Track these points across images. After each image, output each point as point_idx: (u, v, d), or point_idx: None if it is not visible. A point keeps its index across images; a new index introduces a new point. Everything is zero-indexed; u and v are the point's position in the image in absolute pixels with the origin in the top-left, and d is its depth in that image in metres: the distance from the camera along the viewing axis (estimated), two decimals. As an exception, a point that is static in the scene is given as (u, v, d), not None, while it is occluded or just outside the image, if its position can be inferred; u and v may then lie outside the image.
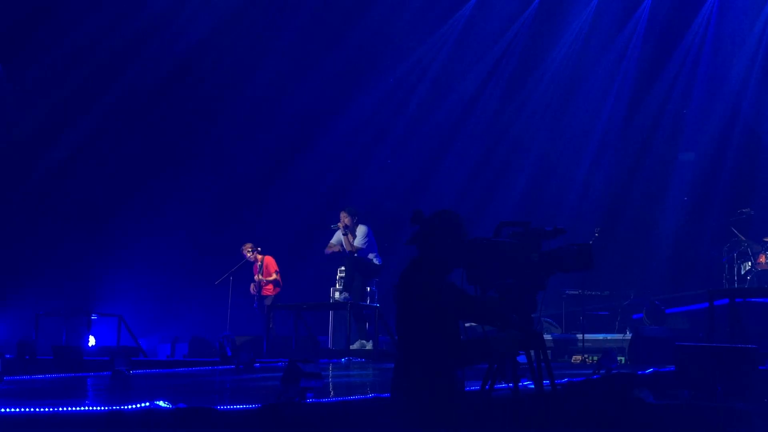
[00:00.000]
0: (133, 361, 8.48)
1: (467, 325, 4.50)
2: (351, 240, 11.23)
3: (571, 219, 14.89)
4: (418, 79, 16.44)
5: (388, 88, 16.22)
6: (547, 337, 11.59)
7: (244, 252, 13.35)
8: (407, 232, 4.44)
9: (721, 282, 12.63)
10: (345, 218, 11.33)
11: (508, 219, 4.55)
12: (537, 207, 15.57)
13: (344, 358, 10.24)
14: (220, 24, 14.57)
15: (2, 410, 4.72)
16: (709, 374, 6.31)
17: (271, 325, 11.71)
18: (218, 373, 8.89)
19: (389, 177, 16.22)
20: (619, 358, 9.44)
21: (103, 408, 4.93)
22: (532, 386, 4.31)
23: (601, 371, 7.37)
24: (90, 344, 12.38)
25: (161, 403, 4.95)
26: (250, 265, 13.43)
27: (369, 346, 10.82)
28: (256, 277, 13.26)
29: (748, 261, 12.38)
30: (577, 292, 12.51)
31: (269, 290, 13.35)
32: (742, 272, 12.41)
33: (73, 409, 4.87)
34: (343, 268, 11.36)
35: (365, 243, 11.21)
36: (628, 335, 11.26)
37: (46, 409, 4.80)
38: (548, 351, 4.47)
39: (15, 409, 4.77)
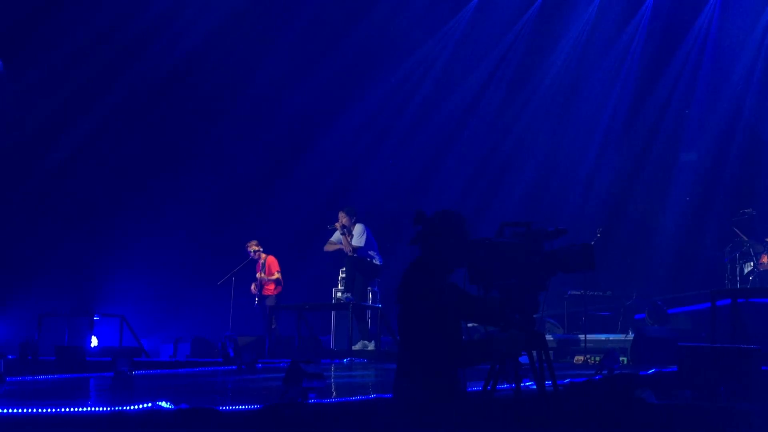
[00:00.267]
0: (136, 362, 8.48)
1: (469, 325, 4.49)
2: (349, 240, 11.23)
3: (573, 219, 14.88)
4: (420, 79, 16.45)
5: (390, 88, 16.22)
6: (549, 337, 11.58)
7: (249, 249, 13.35)
8: (409, 232, 4.44)
9: (723, 282, 12.62)
10: (343, 218, 11.33)
11: (509, 219, 4.54)
12: (539, 207, 15.57)
13: (346, 358, 10.25)
14: (222, 24, 14.57)
15: (5, 411, 4.72)
16: (711, 375, 6.30)
17: (273, 326, 11.71)
18: (220, 374, 8.89)
19: (391, 177, 16.22)
20: (621, 359, 9.44)
21: (105, 408, 4.94)
22: (534, 387, 4.30)
23: (603, 372, 7.36)
24: (92, 345, 12.39)
25: (163, 404, 4.96)
26: (252, 264, 13.43)
27: (371, 346, 10.82)
28: (258, 274, 13.27)
29: (750, 261, 12.37)
30: (579, 293, 12.51)
31: (270, 290, 13.35)
32: (745, 272, 12.40)
33: (76, 409, 4.88)
34: (344, 268, 11.36)
35: (362, 241, 11.20)
36: (631, 336, 11.25)
37: (49, 410, 4.81)
38: (550, 351, 4.46)
39: (17, 409, 4.77)
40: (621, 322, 12.98)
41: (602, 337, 11.92)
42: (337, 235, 11.59)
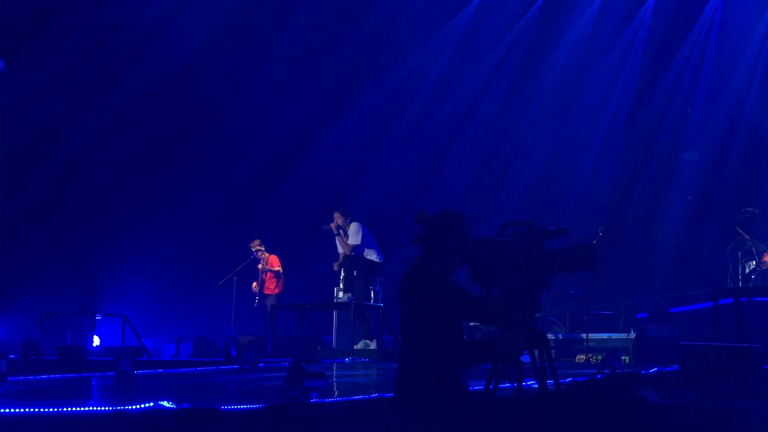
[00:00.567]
0: (138, 362, 8.48)
1: (471, 324, 4.48)
2: (345, 240, 11.22)
3: (574, 218, 14.88)
4: (421, 79, 16.44)
5: (392, 88, 16.23)
6: (551, 336, 11.58)
7: (252, 248, 13.36)
8: (411, 232, 4.44)
9: (725, 281, 12.62)
10: (338, 218, 11.33)
11: (511, 218, 4.54)
12: (541, 206, 15.57)
13: (348, 357, 10.25)
14: (225, 25, 14.59)
15: (7, 410, 4.73)
16: (713, 374, 6.29)
17: (275, 325, 11.71)
18: (222, 373, 8.89)
19: (393, 177, 16.23)
20: (623, 358, 9.43)
21: (107, 408, 4.94)
22: (536, 386, 4.30)
23: (605, 371, 7.35)
24: (94, 344, 12.39)
25: (165, 404, 4.96)
26: (254, 264, 13.44)
27: (373, 345, 10.82)
28: (259, 265, 13.28)
29: (752, 260, 12.36)
30: (581, 292, 12.50)
31: (271, 289, 13.36)
32: (747, 271, 12.39)
33: (78, 409, 4.88)
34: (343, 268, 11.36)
35: (358, 239, 11.19)
36: (633, 334, 11.24)
37: (51, 409, 4.81)
38: (552, 350, 4.46)
39: (20, 409, 4.78)
40: (623, 321, 12.98)
41: (604, 336, 11.91)
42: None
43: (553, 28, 16.05)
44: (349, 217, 11.37)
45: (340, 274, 11.50)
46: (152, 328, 13.94)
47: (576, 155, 16.10)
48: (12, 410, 4.74)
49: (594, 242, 11.48)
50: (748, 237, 12.51)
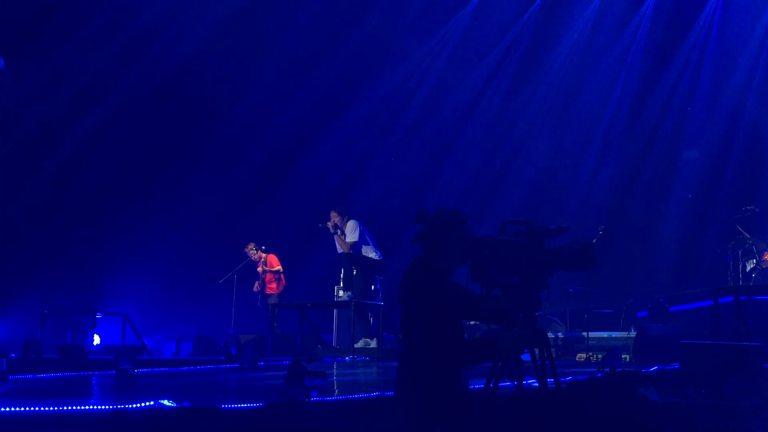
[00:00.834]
0: (138, 360, 8.48)
1: (471, 323, 4.49)
2: (342, 238, 11.23)
3: (575, 217, 14.89)
4: (421, 78, 16.45)
5: (392, 87, 16.23)
6: (552, 335, 11.58)
7: (248, 252, 13.38)
8: (411, 231, 4.44)
9: (725, 280, 12.61)
10: (335, 217, 11.32)
11: (512, 217, 4.54)
12: (541, 205, 15.58)
13: (348, 356, 10.25)
14: (225, 25, 14.58)
15: (7, 409, 4.73)
16: (714, 372, 6.29)
17: (275, 324, 11.71)
18: (223, 372, 8.89)
19: (393, 176, 16.23)
20: (623, 356, 9.43)
21: (107, 407, 4.94)
22: (537, 384, 4.30)
23: (605, 369, 7.36)
24: (95, 343, 12.39)
25: (166, 402, 4.96)
26: (254, 263, 13.45)
27: (373, 344, 10.82)
28: (259, 268, 13.29)
29: (752, 258, 12.36)
30: (581, 290, 12.51)
31: (273, 288, 13.38)
32: (747, 270, 12.39)
33: (78, 408, 4.88)
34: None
35: (356, 236, 11.18)
36: (633, 333, 11.25)
37: (51, 408, 4.81)
38: (552, 349, 4.46)
39: (20, 408, 4.78)
40: (623, 319, 12.98)
41: (605, 334, 11.92)
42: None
43: (553, 27, 16.05)
44: (346, 216, 11.36)
45: (341, 272, 11.50)
46: (153, 326, 13.95)
47: (576, 154, 16.11)
48: (12, 409, 4.74)
49: (594, 241, 11.53)
50: (748, 235, 12.50)
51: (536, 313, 4.33)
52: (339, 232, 11.26)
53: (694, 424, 5.26)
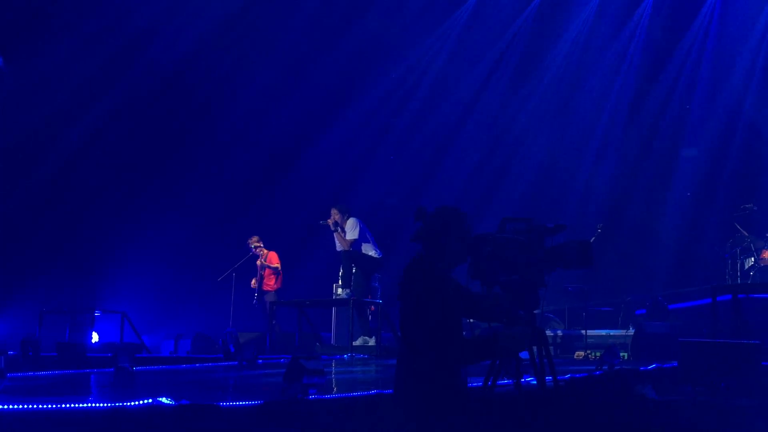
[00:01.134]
0: (137, 358, 8.49)
1: (470, 321, 4.48)
2: (342, 236, 11.23)
3: (574, 215, 14.90)
4: (421, 76, 16.45)
5: (392, 85, 16.23)
6: (550, 333, 11.58)
7: (251, 244, 13.36)
8: (410, 228, 4.44)
9: (724, 278, 12.62)
10: (335, 215, 11.31)
11: (510, 215, 4.54)
12: (540, 203, 15.57)
13: (347, 354, 10.25)
14: (224, 22, 14.57)
15: (6, 407, 4.73)
16: (712, 370, 6.30)
17: (274, 322, 11.71)
18: (221, 370, 8.89)
19: (392, 174, 16.22)
20: (621, 354, 9.44)
21: (106, 405, 4.94)
22: (535, 382, 4.31)
23: (603, 367, 7.37)
24: (93, 341, 12.39)
25: (164, 400, 4.96)
26: (252, 261, 13.44)
27: (372, 342, 10.82)
28: (258, 261, 13.29)
29: (751, 256, 12.36)
30: (580, 288, 12.51)
31: (270, 285, 13.37)
32: (745, 268, 12.40)
33: (77, 406, 4.88)
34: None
35: (356, 233, 11.18)
36: (631, 331, 11.26)
37: (50, 406, 4.81)
38: (551, 347, 4.47)
39: (19, 406, 4.78)
40: (622, 317, 12.98)
41: (603, 332, 11.92)
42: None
43: (551, 25, 16.05)
44: (346, 214, 11.36)
45: (340, 270, 11.50)
46: (151, 324, 13.95)
47: (575, 152, 16.11)
48: (11, 407, 4.74)
49: (592, 239, 11.54)
50: (746, 234, 12.51)
51: (535, 311, 4.34)
52: (339, 229, 11.25)
53: (692, 422, 5.26)
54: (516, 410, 4.12)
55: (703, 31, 15.63)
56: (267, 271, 13.41)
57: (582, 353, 10.83)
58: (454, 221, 4.32)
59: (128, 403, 4.90)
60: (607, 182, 15.83)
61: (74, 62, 13.86)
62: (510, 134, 16.38)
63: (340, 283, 11.37)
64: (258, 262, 13.36)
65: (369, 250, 11.24)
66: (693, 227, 14.91)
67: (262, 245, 13.40)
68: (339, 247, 11.39)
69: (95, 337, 12.63)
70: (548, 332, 11.13)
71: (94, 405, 4.96)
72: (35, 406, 4.78)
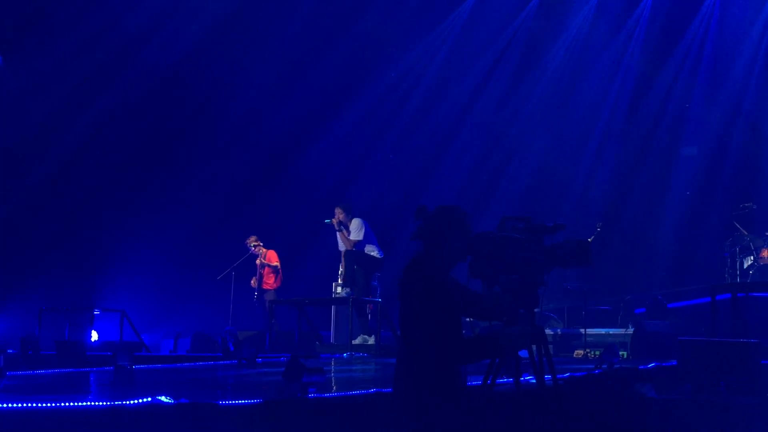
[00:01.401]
0: (136, 357, 8.49)
1: (468, 319, 4.49)
2: (346, 235, 11.23)
3: (573, 214, 14.89)
4: (419, 75, 16.44)
5: (391, 84, 16.22)
6: (550, 331, 11.58)
7: (249, 244, 13.37)
8: (410, 227, 4.44)
9: (723, 277, 12.61)
10: (339, 214, 11.31)
11: (510, 214, 4.54)
12: (539, 201, 15.57)
13: (346, 353, 10.25)
14: (222, 20, 14.56)
15: (5, 405, 4.73)
16: (711, 369, 6.30)
17: (273, 321, 11.72)
18: (220, 368, 8.90)
19: (391, 172, 16.22)
20: (621, 353, 9.44)
21: (105, 403, 4.94)
22: (534, 381, 4.31)
23: (603, 366, 7.36)
24: (93, 339, 12.42)
25: (163, 398, 4.95)
26: (252, 259, 13.45)
27: (371, 340, 10.82)
28: (258, 260, 13.30)
29: (750, 255, 12.36)
30: (579, 287, 12.51)
31: (270, 284, 13.37)
32: (745, 267, 12.39)
33: (76, 404, 4.88)
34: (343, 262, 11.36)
35: (361, 234, 11.19)
36: (631, 330, 11.26)
37: (49, 404, 4.81)
38: (550, 345, 4.46)
39: (18, 404, 4.78)
40: (621, 316, 12.98)
41: (602, 331, 11.92)
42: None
43: (550, 24, 16.05)
44: (350, 213, 11.36)
45: (340, 269, 11.50)
46: (150, 323, 13.95)
47: (574, 150, 16.10)
48: (10, 405, 4.74)
49: (591, 238, 11.55)
50: (746, 232, 12.51)
51: (534, 310, 4.34)
52: (343, 228, 11.25)
53: (691, 420, 5.27)
54: (515, 409, 4.12)
55: (703, 29, 15.62)
56: (266, 269, 13.42)
57: (581, 352, 10.84)
58: (454, 220, 4.32)
59: (127, 402, 4.90)
60: (607, 181, 15.82)
61: (73, 62, 13.85)
62: (509, 133, 16.37)
63: (340, 281, 11.37)
64: (257, 261, 13.37)
65: (372, 251, 11.25)
66: (692, 226, 14.91)
67: (261, 244, 13.42)
68: (341, 246, 11.39)
69: (95, 336, 12.64)
70: (548, 331, 11.13)
71: (93, 404, 4.96)
72: (34, 405, 4.78)
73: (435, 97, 16.37)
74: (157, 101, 14.67)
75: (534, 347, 4.26)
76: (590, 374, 6.81)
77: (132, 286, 14.08)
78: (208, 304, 14.39)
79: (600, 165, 15.94)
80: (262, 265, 13.37)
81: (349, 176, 15.82)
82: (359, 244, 11.18)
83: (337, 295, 11.34)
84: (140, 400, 4.92)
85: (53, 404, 4.81)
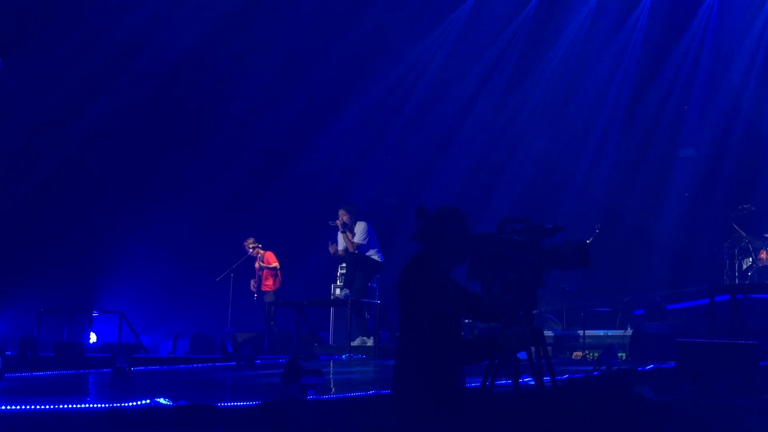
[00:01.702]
0: (135, 358, 8.48)
1: (466, 321, 4.49)
2: (350, 237, 11.22)
3: (571, 215, 14.89)
4: (418, 76, 16.44)
5: (389, 85, 16.22)
6: (548, 333, 11.58)
7: (247, 247, 13.37)
8: (408, 228, 4.43)
9: (722, 278, 12.63)
10: (343, 216, 11.30)
11: (508, 215, 4.54)
12: (538, 203, 15.58)
13: (345, 354, 10.25)
14: (222, 21, 14.56)
15: (4, 407, 4.72)
16: (710, 370, 6.30)
17: (272, 322, 11.71)
18: (219, 370, 8.90)
19: (390, 174, 16.22)
20: (619, 355, 9.45)
21: (104, 405, 4.94)
22: (533, 382, 4.31)
23: (601, 367, 7.37)
24: (91, 341, 12.40)
25: (162, 400, 4.96)
26: (251, 261, 13.45)
27: (370, 342, 10.82)
28: (256, 264, 13.31)
29: (749, 257, 12.38)
30: (578, 288, 12.51)
31: (269, 285, 13.37)
32: (743, 268, 12.41)
33: (75, 406, 4.87)
34: (344, 264, 11.36)
35: (365, 239, 11.19)
36: (629, 331, 11.26)
37: (48, 406, 4.81)
38: (549, 347, 4.47)
39: (16, 406, 4.77)
40: (619, 318, 12.99)
41: (601, 332, 11.92)
42: (341, 240, 11.53)
43: (549, 25, 16.05)
44: (354, 215, 11.36)
45: (338, 270, 11.50)
46: (149, 324, 13.95)
47: (573, 152, 16.11)
48: (9, 407, 4.74)
49: (590, 239, 11.55)
50: (744, 234, 12.52)
51: (533, 312, 4.34)
52: (347, 231, 11.25)
53: (690, 422, 5.27)
54: (514, 411, 4.12)
55: (701, 31, 15.63)
56: (265, 271, 13.43)
57: (580, 353, 10.84)
58: (454, 221, 4.31)
59: (126, 404, 4.89)
60: (605, 182, 15.83)
61: (73, 62, 13.85)
62: (508, 134, 16.37)
63: (339, 283, 11.37)
64: (256, 265, 13.36)
65: (373, 255, 11.26)
66: (691, 228, 14.92)
67: (259, 246, 13.42)
68: (341, 245, 11.39)
69: (93, 338, 12.63)
70: (546, 332, 11.14)
71: (91, 405, 4.95)
72: (33, 407, 4.77)
73: (434, 98, 16.37)
74: (156, 102, 14.67)
75: (533, 349, 4.27)
76: (589, 376, 6.82)
77: (130, 287, 14.07)
78: (206, 306, 14.38)
79: (599, 166, 15.95)
80: (261, 268, 13.37)
81: (348, 177, 15.82)
82: (362, 248, 11.19)
83: (336, 297, 11.35)
84: (139, 402, 4.92)
85: (52, 406, 4.81)
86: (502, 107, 16.40)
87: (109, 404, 4.94)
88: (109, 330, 12.84)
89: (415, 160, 16.29)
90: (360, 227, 11.24)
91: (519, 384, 4.27)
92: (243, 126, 15.45)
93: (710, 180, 15.08)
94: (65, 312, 12.26)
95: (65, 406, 4.85)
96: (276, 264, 13.40)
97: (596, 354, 9.73)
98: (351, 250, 11.17)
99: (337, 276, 11.52)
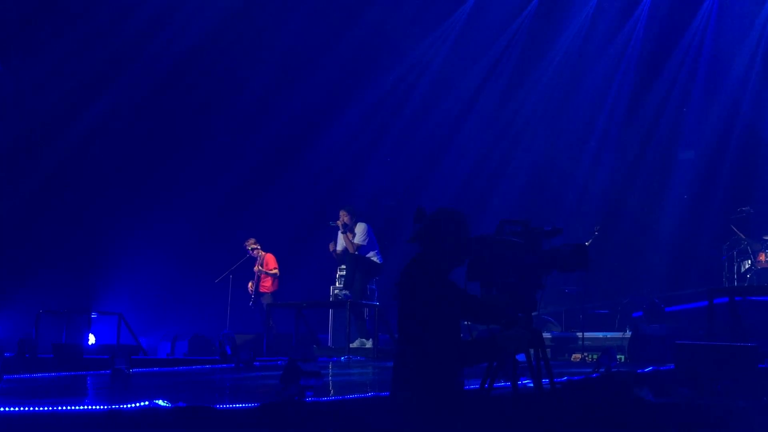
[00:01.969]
0: (133, 360, 8.46)
1: (465, 323, 4.48)
2: (351, 238, 11.21)
3: (570, 217, 14.90)
4: (418, 77, 16.45)
5: (389, 86, 16.22)
6: (547, 335, 11.58)
7: (248, 247, 13.36)
8: (407, 230, 4.43)
9: (721, 280, 12.63)
10: (344, 216, 11.31)
11: (507, 217, 4.54)
12: (537, 205, 15.57)
13: (344, 356, 10.25)
14: (222, 20, 14.55)
15: (2, 409, 4.72)
16: (709, 372, 6.31)
17: (271, 324, 11.71)
18: (218, 372, 8.89)
19: (389, 175, 16.22)
20: (618, 357, 9.45)
21: (102, 407, 4.94)
22: (532, 385, 4.31)
23: (600, 370, 7.37)
24: (90, 342, 12.38)
25: (161, 402, 4.95)
26: (250, 262, 13.44)
27: (369, 344, 10.82)
28: (255, 268, 13.30)
29: (747, 259, 12.38)
30: (577, 291, 12.51)
31: (267, 287, 13.36)
32: (742, 270, 12.41)
33: (73, 407, 4.87)
34: (343, 266, 11.35)
35: (365, 240, 11.19)
36: (628, 333, 11.26)
37: (46, 408, 4.80)
38: (548, 349, 4.47)
39: (15, 407, 4.77)
40: (618, 320, 12.99)
41: (600, 335, 11.93)
42: (341, 240, 11.53)
43: (549, 26, 16.06)
44: (355, 216, 11.36)
45: (337, 272, 11.50)
46: (148, 326, 13.93)
47: (572, 154, 16.11)
48: (7, 409, 4.73)
49: (589, 242, 11.56)
50: (743, 236, 12.53)
51: (532, 314, 4.34)
52: (348, 232, 11.24)
53: (689, 424, 5.27)
54: (512, 413, 4.12)
55: (701, 32, 15.63)
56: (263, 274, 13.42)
57: (579, 355, 10.84)
58: (453, 223, 4.30)
59: (125, 406, 4.89)
60: (604, 184, 15.83)
61: (73, 61, 13.84)
62: (508, 135, 16.37)
63: (337, 284, 11.37)
64: (255, 269, 13.34)
65: (373, 256, 11.26)
66: (690, 230, 14.91)
67: (259, 247, 13.41)
68: (340, 245, 11.39)
69: (92, 339, 12.61)
70: (545, 334, 11.13)
71: (90, 407, 4.95)
72: (31, 408, 4.77)
73: (434, 99, 16.38)
74: (156, 103, 14.66)
75: (532, 351, 4.27)
76: (588, 378, 6.81)
77: (129, 288, 14.06)
78: (205, 307, 14.38)
79: (598, 168, 15.95)
80: (260, 272, 13.35)
81: (347, 178, 15.82)
82: (362, 249, 11.19)
83: (335, 298, 11.34)
84: (137, 404, 4.91)
85: (50, 408, 4.81)
86: (501, 108, 16.41)
87: (107, 406, 4.93)
88: (108, 331, 12.81)
89: (414, 161, 16.30)
90: (360, 228, 11.25)
91: (518, 386, 4.27)
92: (243, 126, 15.45)
93: (709, 182, 15.08)
94: (64, 313, 12.25)
95: (64, 407, 4.85)
96: (275, 270, 13.37)
97: (595, 356, 9.73)
98: (351, 251, 11.16)
99: (336, 277, 11.52)
